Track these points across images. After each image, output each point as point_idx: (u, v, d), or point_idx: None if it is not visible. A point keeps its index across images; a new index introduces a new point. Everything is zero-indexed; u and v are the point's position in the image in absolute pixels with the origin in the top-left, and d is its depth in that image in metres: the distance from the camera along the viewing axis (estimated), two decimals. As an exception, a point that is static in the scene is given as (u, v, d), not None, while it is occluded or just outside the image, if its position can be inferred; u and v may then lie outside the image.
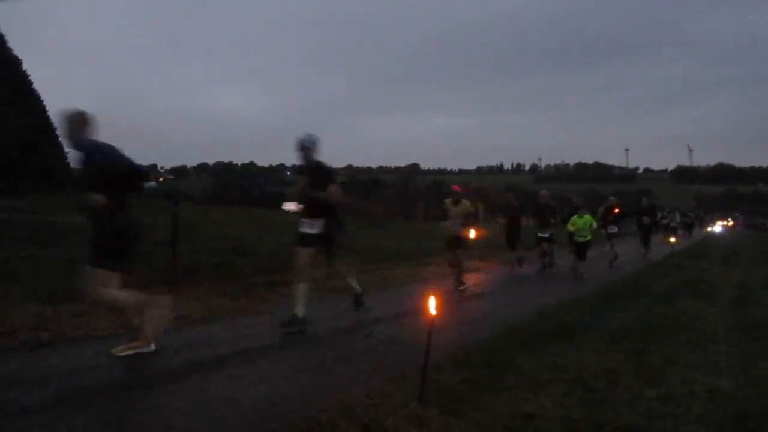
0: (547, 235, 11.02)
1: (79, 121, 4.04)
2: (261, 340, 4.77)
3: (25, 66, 23.02)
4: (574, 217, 10.50)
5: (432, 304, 3.36)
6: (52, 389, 3.37)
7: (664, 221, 22.38)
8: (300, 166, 5.42)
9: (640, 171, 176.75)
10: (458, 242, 8.23)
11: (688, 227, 29.72)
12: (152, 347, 4.07)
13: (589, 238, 10.39)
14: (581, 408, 3.31)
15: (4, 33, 22.69)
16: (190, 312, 5.58)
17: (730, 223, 45.82)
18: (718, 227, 36.48)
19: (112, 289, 3.93)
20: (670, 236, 20.37)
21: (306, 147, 5.22)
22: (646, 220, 15.46)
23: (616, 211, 13.33)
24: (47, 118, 23.09)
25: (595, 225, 10.62)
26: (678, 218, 26.50)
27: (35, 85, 23.38)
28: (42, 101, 23.25)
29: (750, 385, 3.95)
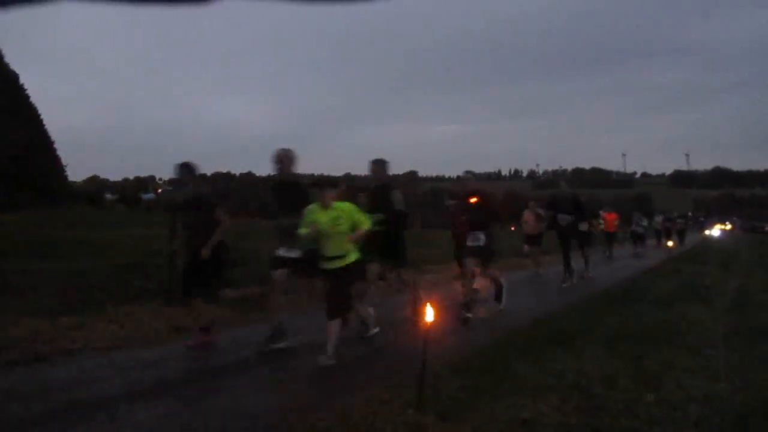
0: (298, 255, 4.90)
1: None
2: (259, 349, 4.76)
3: (22, 80, 23.14)
4: (313, 206, 4.62)
5: (428, 312, 3.38)
6: (51, 403, 3.37)
7: (633, 226, 18.48)
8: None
9: (638, 176, 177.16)
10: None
11: (677, 234, 22.47)
12: None
13: (348, 259, 4.59)
14: (579, 413, 3.31)
15: (1, 46, 22.84)
16: (187, 323, 5.58)
17: (728, 227, 45.73)
18: (716, 231, 36.37)
19: None
20: (667, 241, 20.04)
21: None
22: (564, 220, 9.43)
23: (473, 200, 6.45)
24: (44, 131, 23.14)
25: (364, 226, 4.63)
26: (650, 222, 20.82)
27: (32, 99, 23.48)
28: (39, 115, 23.34)
29: (747, 390, 3.96)
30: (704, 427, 3.24)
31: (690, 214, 41.34)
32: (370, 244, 5.10)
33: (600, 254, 15.11)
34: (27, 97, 23.17)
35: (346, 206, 4.68)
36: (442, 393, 3.53)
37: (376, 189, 5.88)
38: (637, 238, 18.04)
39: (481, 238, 6.28)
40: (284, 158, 5.14)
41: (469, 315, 6.17)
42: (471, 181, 6.93)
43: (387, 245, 5.60)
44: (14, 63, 23.23)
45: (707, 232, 34.85)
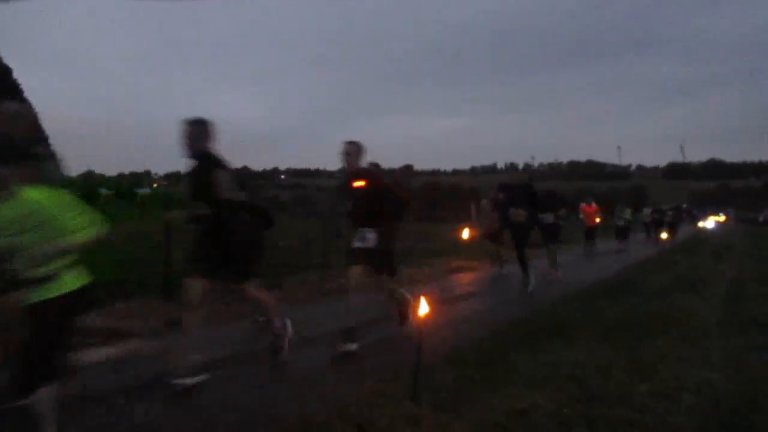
0: None
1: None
2: (255, 343, 4.78)
3: (16, 74, 22.99)
4: None
5: (422, 305, 3.41)
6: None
7: (616, 219, 17.26)
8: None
9: (633, 168, 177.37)
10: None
11: (668, 225, 20.44)
12: None
13: (55, 287, 2.69)
14: (574, 403, 3.35)
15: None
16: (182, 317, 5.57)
17: (723, 218, 45.53)
18: (710, 222, 36.26)
19: None
20: (659, 233, 19.67)
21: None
22: (517, 216, 7.55)
23: (357, 184, 4.58)
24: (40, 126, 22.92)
25: (76, 236, 2.67)
26: (638, 215, 19.88)
27: (26, 94, 23.32)
28: (34, 110, 23.19)
29: (740, 378, 4.01)
30: (697, 415, 3.29)
31: (684, 206, 41.03)
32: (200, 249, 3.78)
33: (576, 251, 14.09)
34: (21, 91, 23.02)
35: (44, 199, 2.66)
36: (439, 385, 3.55)
37: (193, 166, 3.81)
38: (620, 232, 16.79)
39: (370, 238, 4.52)
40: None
41: (353, 347, 4.35)
42: (353, 158, 4.61)
43: (217, 250, 3.80)
44: (9, 58, 23.09)
45: (701, 223, 34.80)
